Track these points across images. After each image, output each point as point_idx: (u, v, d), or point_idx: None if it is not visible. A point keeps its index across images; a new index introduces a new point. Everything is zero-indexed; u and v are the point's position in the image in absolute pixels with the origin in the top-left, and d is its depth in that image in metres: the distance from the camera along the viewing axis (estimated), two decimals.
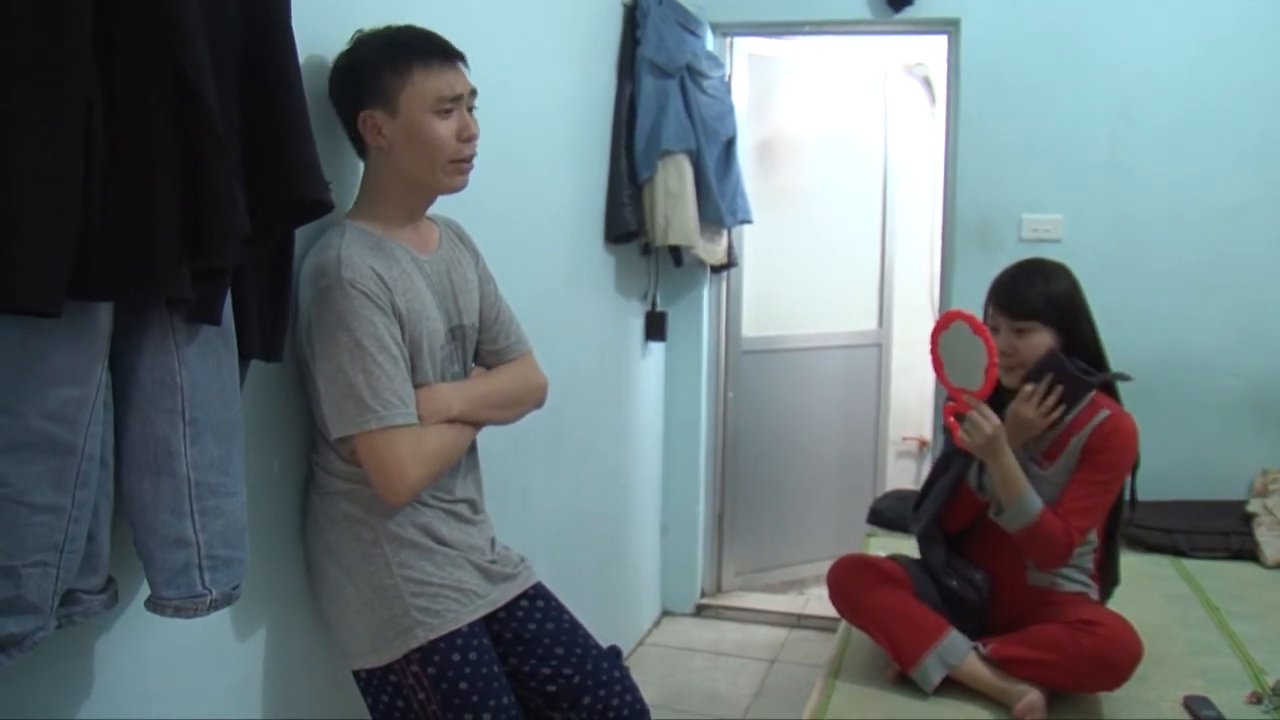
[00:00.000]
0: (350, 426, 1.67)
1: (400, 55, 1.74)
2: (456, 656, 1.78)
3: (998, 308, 2.30)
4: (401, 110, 1.74)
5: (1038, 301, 2.25)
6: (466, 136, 1.80)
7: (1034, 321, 2.25)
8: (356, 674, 1.84)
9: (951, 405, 2.26)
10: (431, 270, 1.84)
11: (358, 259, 1.70)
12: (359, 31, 1.80)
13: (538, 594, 1.99)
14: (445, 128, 1.77)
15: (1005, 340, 2.26)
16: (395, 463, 1.68)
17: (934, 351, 2.31)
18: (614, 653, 2.03)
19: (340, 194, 1.91)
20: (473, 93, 1.82)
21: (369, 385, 1.65)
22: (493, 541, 1.97)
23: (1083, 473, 2.24)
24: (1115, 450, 2.25)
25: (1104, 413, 2.27)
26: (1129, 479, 2.34)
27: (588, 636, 2.01)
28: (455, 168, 1.81)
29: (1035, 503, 2.18)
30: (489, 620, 1.88)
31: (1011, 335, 2.26)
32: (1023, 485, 2.19)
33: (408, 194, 1.82)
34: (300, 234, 1.69)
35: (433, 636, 1.77)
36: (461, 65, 1.80)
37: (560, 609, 2.01)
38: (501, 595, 1.91)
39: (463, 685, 1.77)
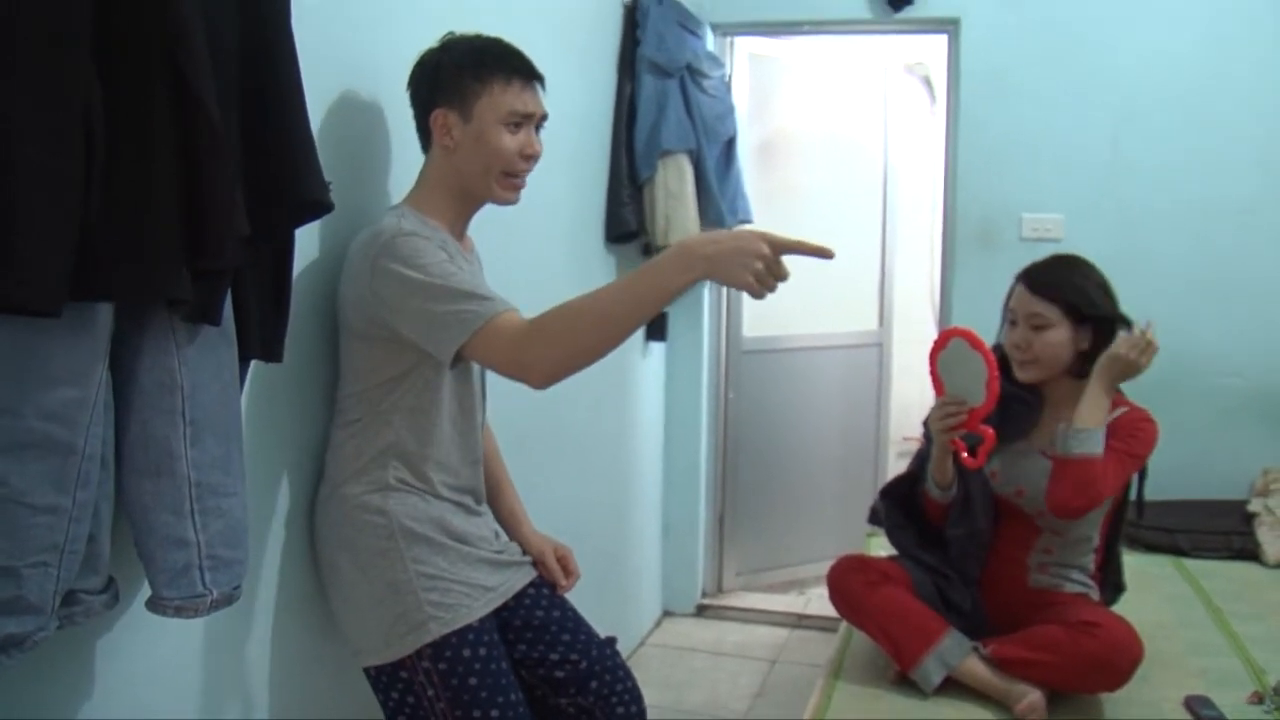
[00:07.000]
0: (455, 341, 1.66)
1: (485, 65, 1.81)
2: (467, 652, 1.79)
3: (1024, 284, 2.32)
4: (475, 117, 1.81)
5: (1062, 287, 2.27)
6: (529, 154, 1.87)
7: (1054, 306, 2.26)
8: (367, 671, 1.84)
9: (946, 412, 2.25)
10: (469, 267, 1.89)
11: (411, 226, 1.76)
12: (450, 34, 1.88)
13: (542, 582, 2.04)
14: (512, 141, 1.84)
15: (1021, 335, 2.29)
16: (511, 348, 1.65)
17: (933, 372, 2.30)
18: (612, 640, 2.08)
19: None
20: (544, 116, 1.89)
21: (454, 300, 1.66)
22: (496, 533, 2.01)
23: (1111, 449, 2.22)
24: (1141, 434, 2.25)
25: (1121, 409, 2.28)
26: (1137, 483, 2.35)
27: (589, 625, 2.06)
28: (509, 182, 1.88)
29: (1101, 442, 2.18)
30: (499, 608, 1.91)
31: (1028, 330, 2.28)
32: (1103, 422, 2.20)
33: (459, 196, 1.88)
34: (322, 229, 1.73)
35: (445, 631, 1.78)
36: (539, 88, 1.88)
37: (563, 598, 2.06)
38: (511, 584, 1.94)
39: (472, 681, 1.78)
